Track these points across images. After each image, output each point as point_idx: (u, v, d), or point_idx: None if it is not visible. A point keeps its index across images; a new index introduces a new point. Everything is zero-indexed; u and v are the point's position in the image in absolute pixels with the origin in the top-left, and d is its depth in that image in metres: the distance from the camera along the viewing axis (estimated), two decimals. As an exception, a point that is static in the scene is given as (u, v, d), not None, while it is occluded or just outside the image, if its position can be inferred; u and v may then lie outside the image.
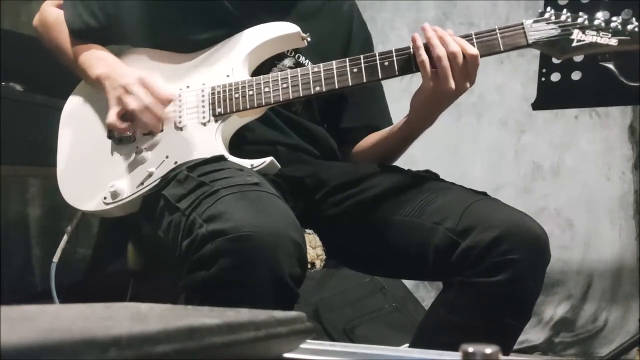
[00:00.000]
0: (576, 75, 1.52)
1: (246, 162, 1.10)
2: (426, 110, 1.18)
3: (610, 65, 1.48)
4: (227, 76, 1.19)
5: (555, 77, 1.54)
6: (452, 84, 1.07)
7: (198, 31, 1.24)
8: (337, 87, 1.13)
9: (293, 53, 1.27)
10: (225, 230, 0.88)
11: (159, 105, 1.15)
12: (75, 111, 1.30)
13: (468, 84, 1.09)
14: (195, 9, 1.24)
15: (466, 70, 1.07)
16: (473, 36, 1.10)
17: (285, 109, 1.26)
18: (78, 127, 1.28)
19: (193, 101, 1.19)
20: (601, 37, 1.06)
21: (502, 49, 1.09)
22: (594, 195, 2.38)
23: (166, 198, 1.04)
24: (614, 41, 1.06)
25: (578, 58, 1.51)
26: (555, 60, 1.53)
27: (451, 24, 2.54)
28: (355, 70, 1.13)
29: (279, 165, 1.13)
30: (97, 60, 1.24)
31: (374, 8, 2.61)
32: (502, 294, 0.99)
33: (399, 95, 2.59)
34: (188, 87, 1.21)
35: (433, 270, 1.07)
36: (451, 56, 1.06)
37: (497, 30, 1.10)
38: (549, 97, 1.57)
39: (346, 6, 1.38)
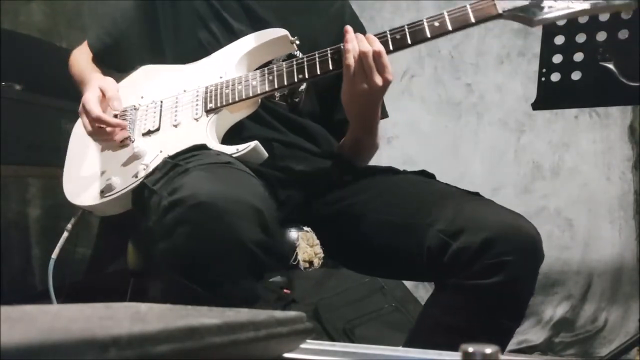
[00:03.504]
0: (576, 75, 1.52)
1: (231, 148, 1.13)
2: (355, 109, 1.21)
3: (610, 65, 1.48)
4: (220, 77, 1.25)
5: (555, 77, 1.54)
6: (365, 84, 1.12)
7: (196, 32, 1.31)
8: (319, 72, 1.16)
9: None
10: (183, 199, 0.90)
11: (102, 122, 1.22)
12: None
13: (380, 81, 1.12)
14: (193, 13, 1.31)
15: (373, 67, 1.11)
16: (445, 14, 1.12)
17: (282, 109, 1.30)
18: (84, 136, 1.35)
19: (188, 101, 1.25)
20: (572, 2, 1.07)
21: (473, 21, 1.11)
22: (594, 195, 2.38)
23: (147, 185, 1.07)
24: (586, 5, 1.07)
25: (578, 57, 1.51)
26: (555, 60, 1.53)
27: (451, 24, 2.54)
28: (336, 57, 1.16)
29: (265, 153, 1.14)
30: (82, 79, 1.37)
31: (373, 8, 2.61)
32: (496, 296, 0.99)
33: (399, 95, 2.60)
34: (185, 90, 1.27)
35: (426, 271, 1.07)
36: (362, 55, 1.11)
37: (469, 5, 1.12)
38: (549, 97, 1.57)
39: (338, 3, 1.43)
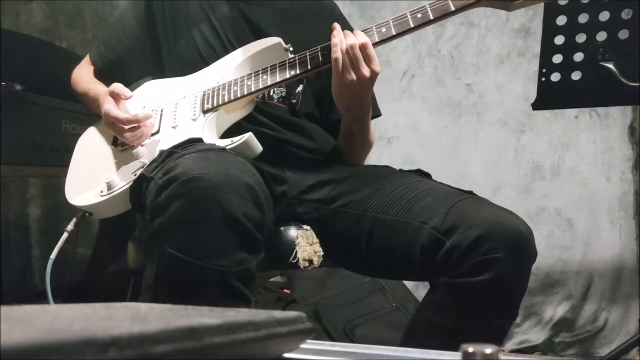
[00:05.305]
0: (576, 75, 1.52)
1: (226, 140, 1.15)
2: (345, 101, 1.24)
3: (610, 65, 1.48)
4: (217, 82, 1.28)
5: (555, 77, 1.54)
6: (353, 75, 1.15)
7: (190, 32, 1.36)
8: (309, 67, 1.20)
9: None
10: (176, 175, 0.93)
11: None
12: (89, 134, 1.45)
13: (367, 72, 1.15)
14: (187, 13, 1.36)
15: (360, 58, 1.15)
16: (427, 7, 1.16)
17: (280, 111, 1.33)
18: (88, 144, 1.42)
19: (187, 104, 1.29)
20: None
21: (453, 9, 1.15)
22: (594, 195, 2.38)
23: (143, 175, 1.09)
24: None
25: (578, 57, 1.51)
26: (555, 60, 1.53)
27: (450, 24, 2.54)
28: (325, 52, 1.20)
29: (259, 146, 1.16)
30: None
31: (373, 8, 2.61)
32: (486, 293, 0.99)
33: (399, 95, 2.60)
34: (184, 97, 1.32)
35: (420, 270, 1.07)
36: (349, 47, 1.15)
37: None
38: (549, 97, 1.57)
39: (330, 5, 1.48)
